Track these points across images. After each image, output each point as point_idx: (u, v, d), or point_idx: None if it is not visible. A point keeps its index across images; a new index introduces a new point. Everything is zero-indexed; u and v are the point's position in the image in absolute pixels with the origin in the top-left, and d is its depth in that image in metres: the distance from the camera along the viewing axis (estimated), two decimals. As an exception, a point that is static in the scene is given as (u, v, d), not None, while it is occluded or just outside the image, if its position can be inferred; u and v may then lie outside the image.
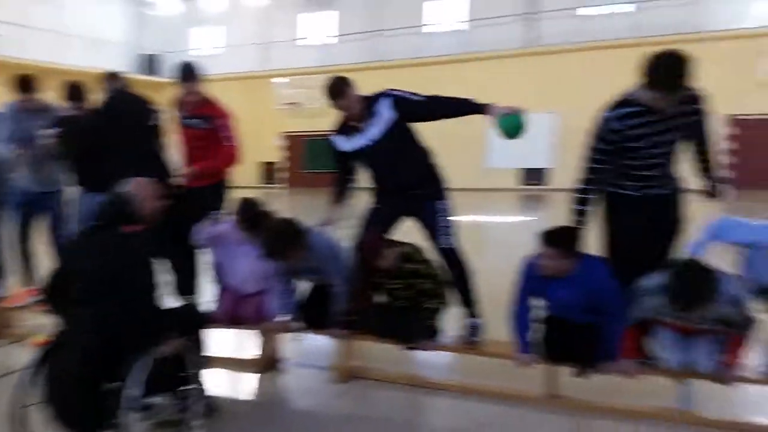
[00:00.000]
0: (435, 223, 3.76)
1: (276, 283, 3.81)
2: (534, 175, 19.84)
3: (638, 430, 3.17)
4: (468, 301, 3.86)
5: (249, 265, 3.87)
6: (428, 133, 3.88)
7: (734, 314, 3.00)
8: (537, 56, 18.85)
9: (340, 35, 22.51)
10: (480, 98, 3.56)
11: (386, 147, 3.66)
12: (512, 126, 3.42)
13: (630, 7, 18.19)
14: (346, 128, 3.77)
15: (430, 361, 4.15)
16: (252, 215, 3.75)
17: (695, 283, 2.83)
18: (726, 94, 15.92)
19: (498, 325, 3.74)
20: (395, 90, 3.69)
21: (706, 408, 3.31)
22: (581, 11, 18.98)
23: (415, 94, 3.66)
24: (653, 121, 3.15)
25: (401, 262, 3.60)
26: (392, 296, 3.77)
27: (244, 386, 3.90)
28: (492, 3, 19.58)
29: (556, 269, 3.21)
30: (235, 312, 3.95)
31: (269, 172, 24.04)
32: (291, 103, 22.40)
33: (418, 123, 3.72)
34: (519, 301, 3.43)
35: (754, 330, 3.09)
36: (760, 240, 3.15)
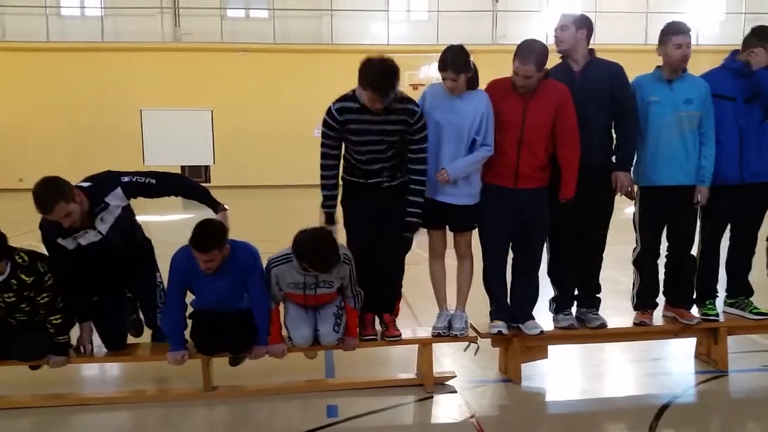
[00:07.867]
0: None
1: None
2: (197, 172, 19.47)
3: (290, 404, 3.41)
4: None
5: None
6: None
7: (347, 278, 3.39)
8: (184, 52, 18.43)
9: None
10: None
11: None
12: None
13: (264, 14, 19.21)
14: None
15: (76, 376, 3.78)
16: None
17: (318, 242, 3.17)
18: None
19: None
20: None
21: (346, 372, 3.78)
22: (230, 13, 19.29)
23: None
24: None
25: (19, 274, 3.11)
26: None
27: None
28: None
29: (215, 262, 3.20)
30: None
31: None
32: None
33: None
34: (171, 297, 3.36)
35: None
36: None
